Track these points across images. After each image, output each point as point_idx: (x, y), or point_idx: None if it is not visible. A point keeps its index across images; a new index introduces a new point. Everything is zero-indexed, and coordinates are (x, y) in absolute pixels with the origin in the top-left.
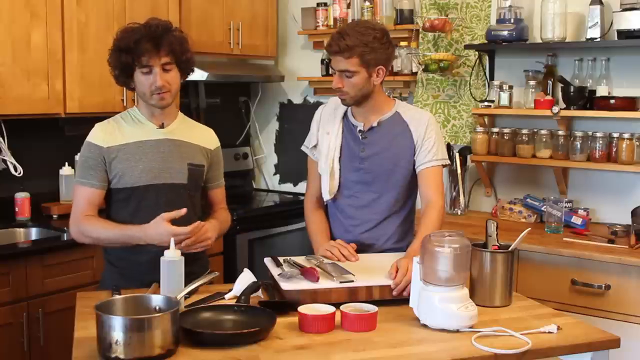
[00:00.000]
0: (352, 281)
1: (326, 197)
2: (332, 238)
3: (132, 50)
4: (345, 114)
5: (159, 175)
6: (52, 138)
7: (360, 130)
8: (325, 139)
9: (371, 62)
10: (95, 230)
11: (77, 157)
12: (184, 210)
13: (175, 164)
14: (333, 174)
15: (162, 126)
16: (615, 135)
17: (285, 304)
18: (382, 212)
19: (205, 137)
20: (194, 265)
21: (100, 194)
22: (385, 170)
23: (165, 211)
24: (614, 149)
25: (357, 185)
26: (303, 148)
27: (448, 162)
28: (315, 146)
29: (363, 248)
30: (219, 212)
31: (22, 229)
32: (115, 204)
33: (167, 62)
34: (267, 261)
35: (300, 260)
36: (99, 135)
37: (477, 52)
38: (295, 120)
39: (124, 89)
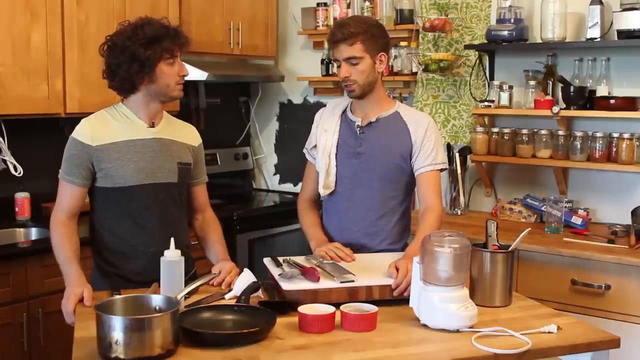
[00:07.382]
0: (353, 281)
1: (322, 192)
2: (327, 236)
3: (173, 39)
4: (344, 112)
5: (150, 175)
6: (52, 138)
7: (358, 125)
8: (322, 136)
9: (374, 48)
10: (54, 241)
11: None
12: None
13: (165, 164)
14: (329, 169)
15: (153, 125)
16: (615, 135)
17: (285, 304)
18: (377, 209)
19: (189, 135)
20: None
21: (83, 191)
22: (380, 166)
23: (157, 211)
24: (614, 149)
25: (352, 181)
26: (304, 151)
27: (447, 166)
28: (315, 147)
29: (358, 247)
30: (212, 226)
31: (22, 229)
32: (105, 204)
33: (178, 56)
34: (267, 261)
35: (300, 260)
36: (87, 132)
37: (477, 52)
38: (295, 120)
39: None
